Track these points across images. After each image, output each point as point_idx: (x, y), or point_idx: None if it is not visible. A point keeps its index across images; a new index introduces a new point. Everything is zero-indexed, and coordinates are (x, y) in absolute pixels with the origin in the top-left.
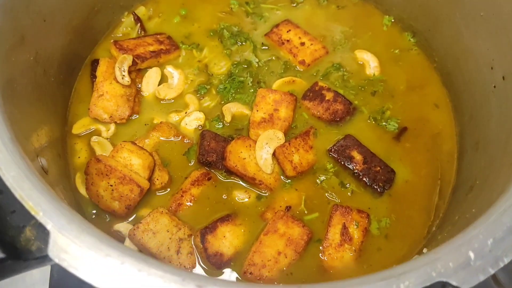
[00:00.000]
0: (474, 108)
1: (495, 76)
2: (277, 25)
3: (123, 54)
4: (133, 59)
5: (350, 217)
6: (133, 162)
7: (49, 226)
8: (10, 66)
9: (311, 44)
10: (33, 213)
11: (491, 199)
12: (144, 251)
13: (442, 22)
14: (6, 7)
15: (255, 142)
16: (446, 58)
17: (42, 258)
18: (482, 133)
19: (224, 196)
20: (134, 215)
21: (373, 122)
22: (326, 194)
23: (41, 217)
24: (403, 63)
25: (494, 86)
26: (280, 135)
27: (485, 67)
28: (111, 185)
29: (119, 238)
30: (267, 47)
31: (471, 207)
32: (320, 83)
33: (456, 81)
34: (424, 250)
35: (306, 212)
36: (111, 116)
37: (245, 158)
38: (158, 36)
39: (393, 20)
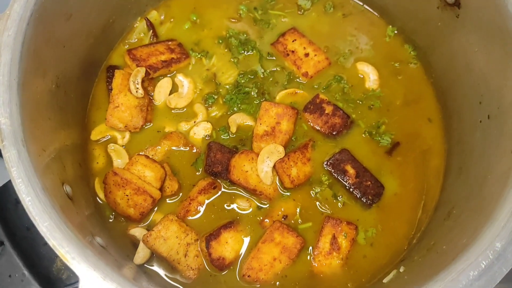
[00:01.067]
0: (462, 133)
1: (482, 112)
2: (283, 34)
3: (136, 64)
4: (146, 70)
5: (339, 228)
6: (146, 174)
7: (77, 272)
8: (36, 104)
9: (315, 55)
10: (64, 260)
11: (457, 246)
12: (156, 254)
13: (441, 45)
14: (30, 49)
15: (257, 155)
16: (442, 77)
17: (71, 285)
18: (465, 161)
19: (228, 204)
20: (148, 220)
21: (368, 136)
22: (319, 205)
23: (71, 263)
24: (402, 77)
25: (480, 121)
26: (281, 149)
27: (475, 99)
28: (127, 195)
29: (134, 240)
30: (273, 57)
31: (444, 240)
32: (321, 96)
33: (449, 101)
34: (401, 269)
35: (300, 221)
36: (126, 126)
37: (247, 171)
38: (169, 43)
39: (396, 32)
